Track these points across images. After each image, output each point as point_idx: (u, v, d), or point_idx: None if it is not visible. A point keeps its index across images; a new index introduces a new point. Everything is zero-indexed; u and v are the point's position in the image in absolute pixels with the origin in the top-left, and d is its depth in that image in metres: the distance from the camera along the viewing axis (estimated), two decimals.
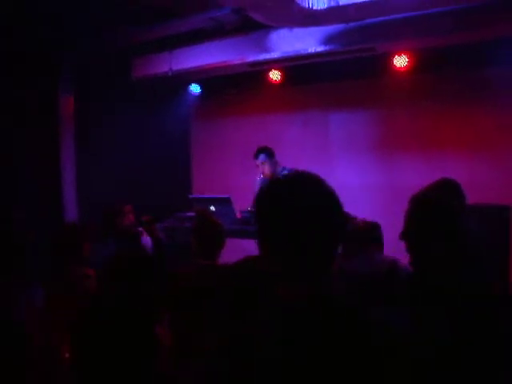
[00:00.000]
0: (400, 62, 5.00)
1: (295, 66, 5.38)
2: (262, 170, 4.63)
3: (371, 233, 3.03)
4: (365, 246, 2.97)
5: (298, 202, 1.08)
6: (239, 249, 4.63)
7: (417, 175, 4.91)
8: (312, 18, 3.41)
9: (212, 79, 5.99)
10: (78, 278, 2.63)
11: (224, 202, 4.42)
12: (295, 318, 1.03)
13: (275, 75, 5.70)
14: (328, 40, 4.36)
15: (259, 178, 4.70)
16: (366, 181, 5.65)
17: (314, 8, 3.21)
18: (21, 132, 4.56)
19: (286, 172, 4.62)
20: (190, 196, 5.11)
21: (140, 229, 3.89)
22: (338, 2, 3.18)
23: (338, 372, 0.98)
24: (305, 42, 4.47)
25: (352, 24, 3.85)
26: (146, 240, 3.85)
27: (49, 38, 4.59)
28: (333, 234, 1.11)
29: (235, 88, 6.21)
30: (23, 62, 4.50)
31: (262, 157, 4.60)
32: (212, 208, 4.42)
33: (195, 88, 6.34)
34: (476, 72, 5.01)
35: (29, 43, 4.46)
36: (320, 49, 4.43)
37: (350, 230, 2.88)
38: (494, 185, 4.90)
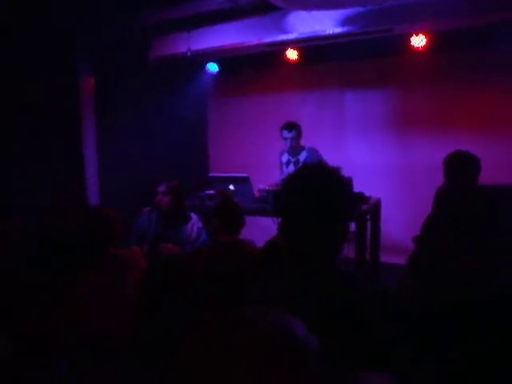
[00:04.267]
0: (417, 41, 5.00)
1: (312, 45, 5.43)
2: (289, 145, 4.69)
3: None
4: None
5: (320, 190, 1.28)
6: (257, 226, 4.82)
7: (431, 154, 4.98)
8: (329, 3, 3.47)
9: (229, 58, 6.06)
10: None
11: (243, 181, 4.55)
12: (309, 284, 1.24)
13: (292, 54, 5.71)
14: (345, 21, 4.40)
15: (286, 149, 4.82)
16: (381, 159, 5.74)
17: None
18: (43, 112, 4.67)
19: (305, 151, 4.75)
20: (210, 175, 5.23)
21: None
22: None
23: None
24: (322, 23, 4.51)
25: (370, 7, 3.89)
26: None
27: (67, 19, 4.65)
28: (342, 220, 1.33)
29: (252, 68, 6.26)
30: (43, 45, 4.56)
31: (294, 132, 4.65)
32: (231, 187, 4.57)
33: (213, 67, 6.38)
34: (494, 52, 5.00)
35: (48, 25, 4.53)
36: (338, 30, 4.48)
37: None
38: (507, 164, 4.96)
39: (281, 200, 1.38)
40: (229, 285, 1.60)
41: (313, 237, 1.29)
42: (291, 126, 4.67)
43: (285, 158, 4.87)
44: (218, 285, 1.88)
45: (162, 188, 3.94)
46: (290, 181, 1.40)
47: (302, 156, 4.73)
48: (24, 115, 4.44)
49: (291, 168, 4.76)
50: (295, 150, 4.74)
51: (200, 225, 3.92)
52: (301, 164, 4.68)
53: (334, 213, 1.30)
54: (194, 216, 3.96)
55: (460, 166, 3.30)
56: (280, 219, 1.37)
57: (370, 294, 1.30)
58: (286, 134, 4.66)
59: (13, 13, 4.13)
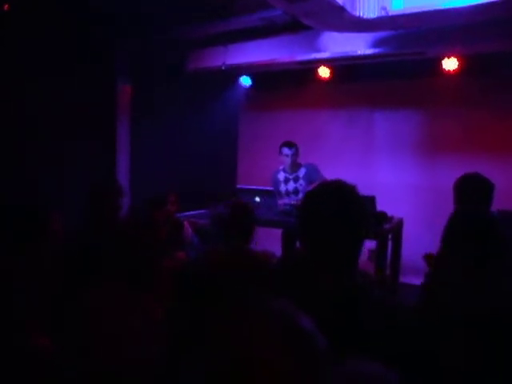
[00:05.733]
0: (449, 64, 5.05)
1: (344, 64, 5.52)
2: (289, 161, 4.82)
3: None
4: None
5: (338, 207, 1.35)
6: (278, 239, 4.91)
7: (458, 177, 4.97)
8: (361, 26, 3.56)
9: (262, 73, 6.21)
10: None
11: (269, 194, 4.66)
12: (333, 304, 1.28)
13: (324, 72, 5.82)
14: (377, 43, 4.49)
15: (281, 168, 4.96)
16: (408, 180, 5.75)
17: (365, 17, 3.36)
18: (82, 119, 4.88)
19: (303, 168, 4.87)
20: (238, 186, 5.35)
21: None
22: (387, 13, 3.32)
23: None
24: (354, 44, 4.61)
25: (402, 30, 3.97)
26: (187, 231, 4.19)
27: (108, 31, 4.87)
28: (360, 236, 1.39)
29: (284, 84, 6.36)
30: (84, 56, 4.75)
31: (294, 150, 4.81)
32: (257, 199, 4.67)
33: (246, 80, 6.55)
34: None
35: (89, 37, 4.74)
36: (369, 51, 4.57)
37: None
38: None
39: (302, 210, 1.45)
40: (243, 292, 1.67)
41: (332, 245, 1.35)
42: (291, 144, 4.84)
43: (281, 176, 4.95)
44: (232, 291, 1.95)
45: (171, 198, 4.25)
46: (311, 194, 1.46)
47: (301, 172, 4.86)
48: (62, 117, 4.65)
49: (291, 185, 4.88)
50: (294, 167, 4.87)
51: (191, 230, 4.22)
52: (301, 180, 4.84)
53: (352, 223, 1.36)
54: (185, 223, 4.25)
55: (470, 191, 2.98)
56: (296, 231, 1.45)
57: (392, 308, 1.35)
58: (286, 150, 4.81)
59: (58, 25, 4.38)
